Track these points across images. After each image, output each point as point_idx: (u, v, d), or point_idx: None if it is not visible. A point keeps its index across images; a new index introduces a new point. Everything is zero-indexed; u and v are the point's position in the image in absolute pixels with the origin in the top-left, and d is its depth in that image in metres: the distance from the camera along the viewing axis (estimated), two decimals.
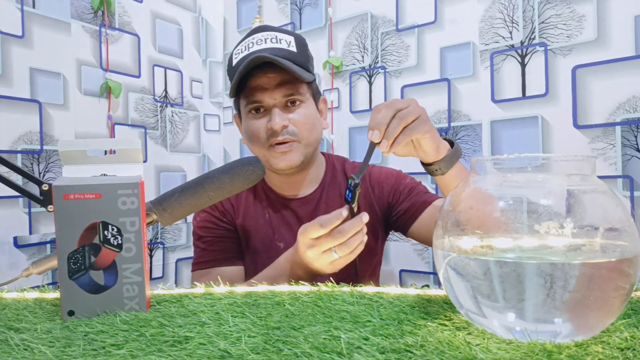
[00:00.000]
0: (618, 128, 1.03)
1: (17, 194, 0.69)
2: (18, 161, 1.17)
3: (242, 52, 0.91)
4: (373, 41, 1.41)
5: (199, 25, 1.71)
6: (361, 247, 0.71)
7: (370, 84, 1.42)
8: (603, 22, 1.05)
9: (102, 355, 0.39)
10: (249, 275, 0.96)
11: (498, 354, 0.36)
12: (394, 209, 0.97)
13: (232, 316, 0.48)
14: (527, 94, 1.14)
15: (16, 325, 0.48)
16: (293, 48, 0.91)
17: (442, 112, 1.28)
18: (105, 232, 0.51)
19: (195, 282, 0.80)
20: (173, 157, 1.60)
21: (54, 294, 0.61)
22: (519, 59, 1.16)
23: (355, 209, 0.69)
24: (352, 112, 1.46)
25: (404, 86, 1.34)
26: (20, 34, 1.18)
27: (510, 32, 1.17)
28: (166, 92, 1.57)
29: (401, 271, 1.36)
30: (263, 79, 0.87)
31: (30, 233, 1.20)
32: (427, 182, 1.13)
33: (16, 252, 1.17)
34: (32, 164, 1.20)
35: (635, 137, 1.01)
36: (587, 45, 1.06)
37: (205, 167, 1.73)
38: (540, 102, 1.13)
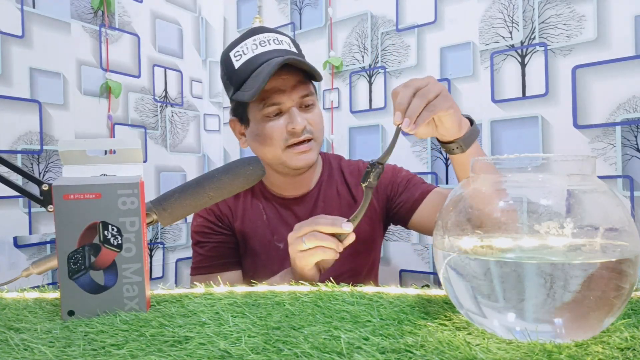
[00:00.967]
0: (618, 128, 1.03)
1: (17, 194, 0.69)
2: (18, 161, 1.17)
3: (244, 55, 0.89)
4: (373, 41, 1.41)
5: (199, 25, 1.71)
6: (331, 254, 0.70)
7: (370, 84, 1.42)
8: (603, 22, 1.05)
9: (102, 355, 0.39)
10: (249, 276, 0.96)
11: (498, 354, 0.36)
12: (393, 202, 0.97)
13: (232, 316, 0.48)
14: (527, 94, 1.14)
15: (16, 325, 0.48)
16: (293, 49, 0.91)
17: None
18: (105, 232, 0.51)
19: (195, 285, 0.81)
20: (173, 157, 1.60)
21: (54, 294, 0.61)
22: (519, 59, 1.16)
23: (369, 194, 0.68)
24: (352, 112, 1.46)
25: None
26: (20, 34, 1.18)
27: (510, 32, 1.17)
28: (166, 92, 1.57)
29: (401, 271, 1.36)
30: (279, 81, 0.87)
31: (30, 233, 1.20)
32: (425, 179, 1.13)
33: (16, 252, 1.17)
34: (32, 164, 1.20)
35: (635, 137, 1.01)
36: (587, 45, 1.06)
37: (205, 167, 1.73)
38: (540, 102, 1.13)
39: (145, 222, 0.53)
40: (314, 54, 1.53)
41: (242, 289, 0.61)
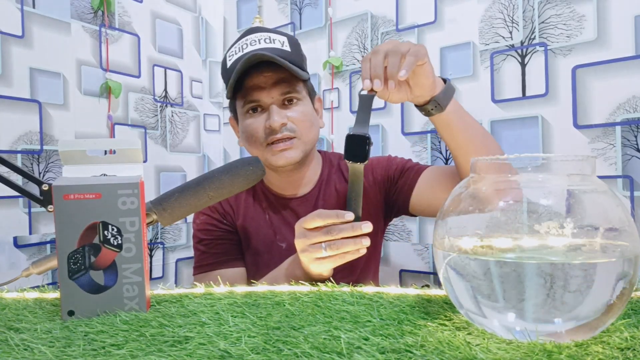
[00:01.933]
0: (618, 128, 1.03)
1: (17, 194, 0.69)
2: (18, 161, 1.17)
3: (235, 54, 0.91)
4: (373, 41, 1.41)
5: (199, 25, 1.71)
6: (353, 256, 0.68)
7: None
8: (603, 22, 1.05)
9: (102, 355, 0.39)
10: (250, 275, 0.96)
11: (498, 354, 0.36)
12: (392, 190, 0.97)
13: (232, 316, 0.48)
14: (527, 94, 1.14)
15: (16, 325, 0.48)
16: (287, 48, 0.92)
17: None
18: (105, 232, 0.51)
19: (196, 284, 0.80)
20: (173, 157, 1.59)
21: (54, 294, 0.61)
22: (519, 59, 1.16)
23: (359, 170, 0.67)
24: (352, 112, 1.46)
25: None
26: (20, 34, 1.18)
27: (510, 32, 1.17)
28: (166, 92, 1.57)
29: (401, 271, 1.36)
30: (260, 78, 0.88)
31: (30, 233, 1.20)
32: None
33: (16, 252, 1.17)
34: (32, 164, 1.20)
35: (635, 137, 1.01)
36: (587, 45, 1.06)
37: (205, 167, 1.73)
38: (540, 102, 1.13)
39: (145, 222, 0.53)
40: (314, 54, 1.53)
41: (242, 289, 0.61)
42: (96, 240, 0.51)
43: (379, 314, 0.48)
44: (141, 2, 1.49)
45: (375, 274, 1.04)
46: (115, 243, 0.51)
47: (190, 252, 1.01)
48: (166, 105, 1.57)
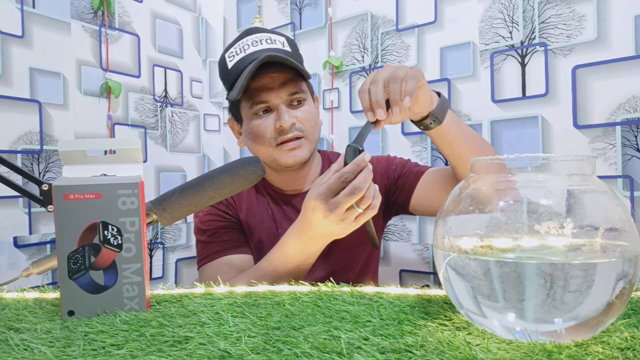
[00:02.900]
0: (618, 128, 1.03)
1: (17, 194, 0.69)
2: (18, 161, 1.17)
3: (237, 55, 0.91)
4: (373, 41, 1.41)
5: (199, 25, 1.71)
6: (378, 197, 0.69)
7: None
8: (603, 22, 1.05)
9: (102, 355, 0.39)
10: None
11: (498, 354, 0.36)
12: (391, 189, 0.98)
13: (232, 316, 0.48)
14: (527, 94, 1.14)
15: (16, 325, 0.48)
16: (287, 48, 0.92)
17: None
18: (105, 232, 0.51)
19: (203, 279, 0.79)
20: (173, 157, 1.59)
21: (54, 294, 0.61)
22: (519, 59, 1.16)
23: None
24: (352, 112, 1.46)
25: None
26: (20, 34, 1.18)
27: (510, 32, 1.17)
28: (166, 92, 1.57)
29: (401, 271, 1.36)
30: (267, 79, 0.88)
31: (30, 233, 1.20)
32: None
33: (16, 252, 1.17)
34: (32, 164, 1.20)
35: (635, 137, 1.01)
36: (587, 45, 1.06)
37: (205, 167, 1.72)
38: (540, 102, 1.13)
39: (145, 222, 0.53)
40: (314, 54, 1.53)
41: (242, 289, 0.61)
42: (96, 240, 0.51)
43: (379, 314, 0.48)
44: (141, 2, 1.49)
45: (375, 274, 1.04)
46: (115, 243, 0.51)
47: (191, 252, 1.01)
48: (166, 105, 1.57)
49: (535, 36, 1.13)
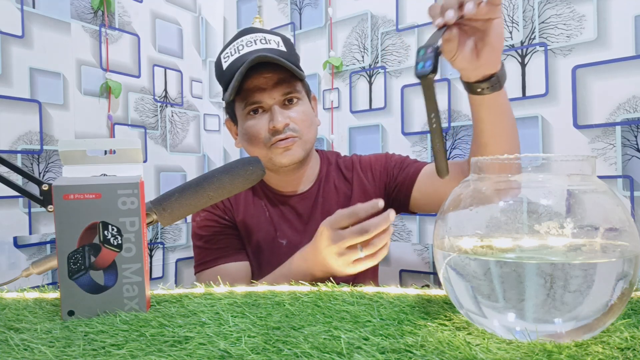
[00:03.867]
0: (618, 128, 1.03)
1: (17, 194, 0.69)
2: (18, 161, 1.17)
3: (231, 55, 0.91)
4: (373, 41, 1.41)
5: (199, 25, 1.71)
6: (385, 251, 0.66)
7: (370, 84, 1.42)
8: (603, 22, 1.05)
9: (102, 355, 0.39)
10: (252, 272, 0.96)
11: (498, 354, 0.36)
12: (391, 186, 0.98)
13: (232, 316, 0.48)
14: (527, 94, 1.14)
15: (16, 325, 0.48)
16: (282, 48, 0.92)
17: (442, 112, 1.28)
18: (105, 232, 0.51)
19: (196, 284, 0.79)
20: (173, 157, 1.59)
21: (54, 294, 0.61)
22: (519, 59, 1.16)
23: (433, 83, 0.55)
24: (352, 112, 1.46)
25: (404, 86, 1.34)
26: (20, 34, 1.18)
27: (510, 32, 1.17)
28: (166, 92, 1.57)
29: (401, 271, 1.36)
30: (260, 79, 0.88)
31: (30, 233, 1.20)
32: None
33: (16, 252, 1.17)
34: (32, 164, 1.20)
35: (635, 137, 1.01)
36: (587, 45, 1.06)
37: (205, 167, 1.72)
38: (540, 102, 1.13)
39: (145, 222, 0.53)
40: (314, 54, 1.53)
41: (242, 289, 0.61)
42: (96, 240, 0.51)
43: (379, 314, 0.48)
44: (141, 2, 1.49)
45: (374, 274, 1.04)
46: (115, 243, 0.51)
47: (191, 252, 1.01)
48: (166, 105, 1.57)
49: (535, 36, 1.13)
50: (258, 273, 0.95)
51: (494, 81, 0.67)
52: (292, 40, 1.59)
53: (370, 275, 1.01)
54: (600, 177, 0.43)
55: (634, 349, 0.37)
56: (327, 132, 1.50)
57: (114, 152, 0.55)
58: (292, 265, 0.80)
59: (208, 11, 1.74)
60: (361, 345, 0.39)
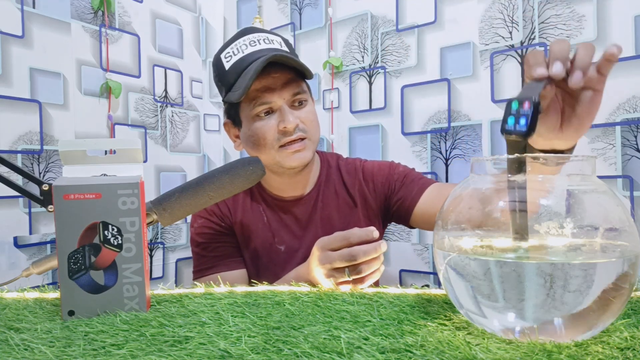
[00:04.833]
0: (618, 128, 1.03)
1: (17, 194, 0.69)
2: (18, 161, 1.17)
3: (234, 55, 0.88)
4: (373, 41, 1.41)
5: (199, 25, 1.71)
6: (376, 276, 0.65)
7: (370, 84, 1.42)
8: (603, 22, 1.05)
9: (102, 355, 0.39)
10: (250, 278, 0.96)
11: (498, 354, 0.36)
12: (392, 200, 0.96)
13: (232, 316, 0.48)
14: None
15: (16, 325, 0.48)
16: (285, 48, 0.90)
17: (442, 112, 1.28)
18: (105, 232, 0.51)
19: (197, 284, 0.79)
20: (173, 157, 1.59)
21: (54, 294, 0.61)
22: (519, 59, 1.16)
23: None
24: (352, 112, 1.46)
25: (404, 86, 1.34)
26: (20, 34, 1.18)
27: (510, 32, 1.17)
28: (166, 92, 1.57)
29: (401, 271, 1.36)
30: (269, 79, 0.85)
31: (30, 233, 1.20)
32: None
33: (16, 252, 1.17)
34: (32, 164, 1.20)
35: (635, 137, 1.01)
36: None
37: (205, 167, 1.73)
38: None
39: (145, 222, 0.53)
40: (314, 54, 1.53)
41: (242, 289, 0.61)
42: (96, 240, 0.51)
43: (379, 314, 0.48)
44: (141, 2, 1.49)
45: None
46: (116, 243, 0.51)
47: (191, 252, 1.01)
48: (166, 105, 1.57)
49: (535, 36, 1.13)
50: (256, 279, 0.94)
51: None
52: (292, 41, 1.59)
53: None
54: (600, 177, 0.43)
55: (634, 349, 0.37)
56: (327, 132, 1.50)
57: (114, 152, 0.55)
58: (287, 281, 0.80)
59: (208, 11, 1.74)
60: (361, 345, 0.39)
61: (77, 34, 1.31)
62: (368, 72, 1.42)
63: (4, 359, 0.39)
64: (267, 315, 0.49)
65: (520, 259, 0.41)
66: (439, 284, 1.08)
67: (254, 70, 0.82)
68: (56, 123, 1.25)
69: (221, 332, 0.43)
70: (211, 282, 0.66)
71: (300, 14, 1.57)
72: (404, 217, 0.95)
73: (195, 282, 0.87)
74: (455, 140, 1.26)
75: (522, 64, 1.15)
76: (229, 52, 0.90)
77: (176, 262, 1.60)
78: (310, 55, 1.53)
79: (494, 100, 1.19)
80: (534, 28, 1.13)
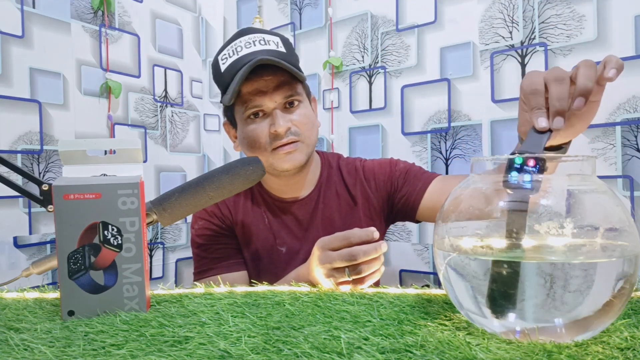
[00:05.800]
0: (618, 128, 1.03)
1: (17, 194, 0.69)
2: (18, 161, 1.17)
3: (230, 57, 0.88)
4: (373, 41, 1.41)
5: (199, 25, 1.71)
6: (376, 277, 0.65)
7: (370, 84, 1.42)
8: (603, 22, 1.05)
9: (102, 355, 0.39)
10: (251, 280, 0.96)
11: (498, 354, 0.36)
12: (395, 197, 0.96)
13: (232, 316, 0.48)
14: None
15: (16, 325, 0.48)
16: (282, 49, 0.89)
17: (442, 112, 1.28)
18: (105, 232, 0.51)
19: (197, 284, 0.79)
20: (173, 157, 1.59)
21: (54, 294, 0.61)
22: (519, 59, 1.16)
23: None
24: (352, 112, 1.46)
25: (404, 86, 1.34)
26: (20, 34, 1.18)
27: (510, 32, 1.17)
28: (166, 92, 1.57)
29: (401, 271, 1.36)
30: (260, 82, 0.85)
31: (30, 233, 1.20)
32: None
33: (16, 252, 1.17)
34: (32, 164, 1.20)
35: (635, 137, 1.01)
36: (587, 45, 1.06)
37: (205, 167, 1.72)
38: None
39: (145, 222, 0.53)
40: (314, 54, 1.53)
41: (242, 289, 0.61)
42: (96, 240, 0.51)
43: (379, 314, 0.48)
44: (141, 2, 1.49)
45: None
46: (115, 243, 0.51)
47: (191, 252, 1.01)
48: (166, 105, 1.57)
49: (535, 36, 1.13)
50: (257, 280, 0.94)
51: (566, 149, 0.62)
52: (292, 40, 1.59)
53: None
54: (600, 177, 0.43)
55: (634, 349, 0.37)
56: (327, 132, 1.50)
57: (114, 152, 0.55)
58: (287, 281, 0.80)
59: (208, 11, 1.74)
60: (361, 345, 0.39)
61: (77, 34, 1.31)
62: (368, 72, 1.42)
63: (4, 359, 0.39)
64: (267, 315, 0.49)
65: (521, 259, 0.41)
66: (439, 284, 1.08)
67: (240, 75, 0.82)
68: (56, 123, 1.25)
69: (221, 332, 0.43)
70: (211, 283, 0.66)
71: (300, 14, 1.57)
72: (410, 213, 0.95)
73: (195, 283, 0.87)
74: (455, 140, 1.26)
75: (522, 64, 1.15)
76: (225, 54, 0.89)
77: (176, 262, 1.60)
78: (310, 55, 1.54)
79: (494, 100, 1.19)
80: (534, 28, 1.13)
